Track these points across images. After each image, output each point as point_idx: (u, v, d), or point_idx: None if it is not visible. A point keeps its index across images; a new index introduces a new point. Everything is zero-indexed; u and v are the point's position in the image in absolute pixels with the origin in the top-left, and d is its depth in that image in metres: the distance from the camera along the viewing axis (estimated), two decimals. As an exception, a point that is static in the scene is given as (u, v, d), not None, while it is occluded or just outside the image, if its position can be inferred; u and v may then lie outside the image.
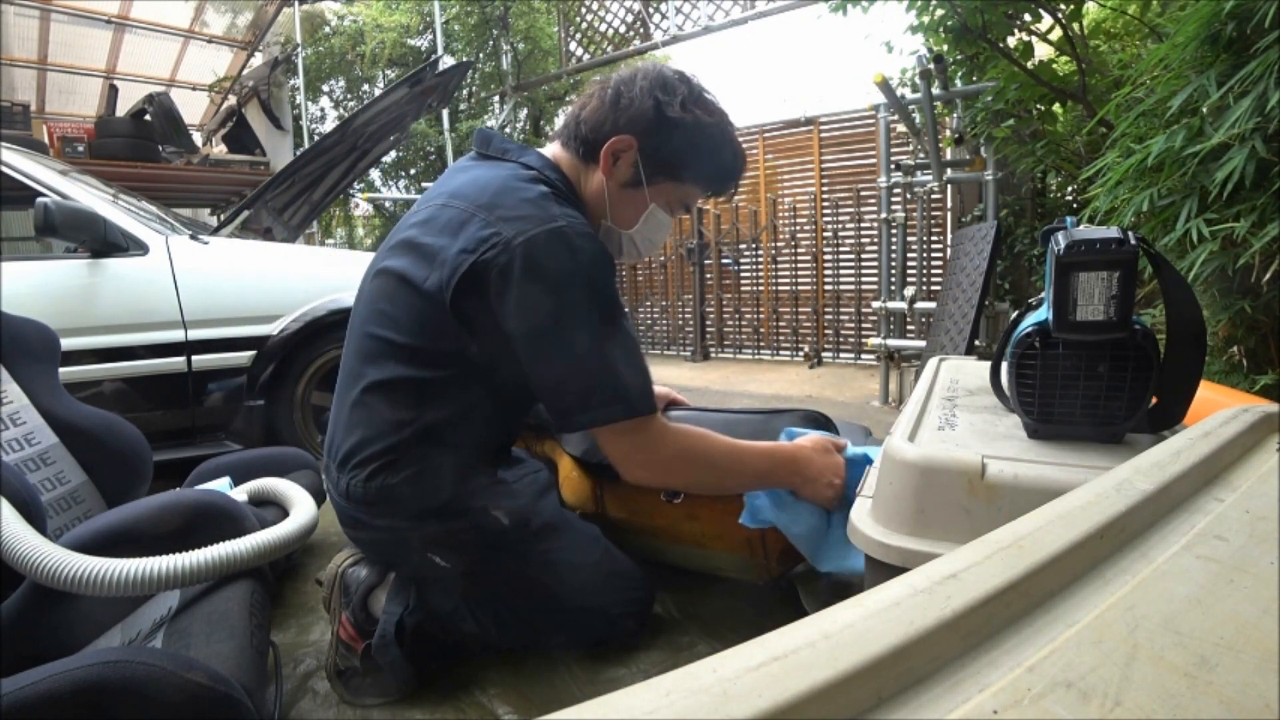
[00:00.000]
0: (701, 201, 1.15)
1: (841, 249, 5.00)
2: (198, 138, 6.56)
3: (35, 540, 0.84)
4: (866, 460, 1.03)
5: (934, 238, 4.47)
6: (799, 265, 5.23)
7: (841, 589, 1.22)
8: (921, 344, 3.39)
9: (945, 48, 3.06)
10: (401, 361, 0.95)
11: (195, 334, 2.02)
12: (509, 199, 0.91)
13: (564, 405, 0.92)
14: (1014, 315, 0.94)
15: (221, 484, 1.35)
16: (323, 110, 8.06)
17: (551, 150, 1.06)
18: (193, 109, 7.01)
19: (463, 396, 0.97)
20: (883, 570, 0.78)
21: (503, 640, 1.07)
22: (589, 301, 0.88)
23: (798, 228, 5.16)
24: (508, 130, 6.99)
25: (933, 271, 4.41)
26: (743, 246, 5.50)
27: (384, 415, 0.98)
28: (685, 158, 1.00)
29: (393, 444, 0.97)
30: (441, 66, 3.67)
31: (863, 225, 4.81)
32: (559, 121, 7.93)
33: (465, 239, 0.89)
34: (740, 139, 1.05)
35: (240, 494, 1.28)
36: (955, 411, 0.97)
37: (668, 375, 5.00)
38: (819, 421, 1.17)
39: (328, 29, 7.18)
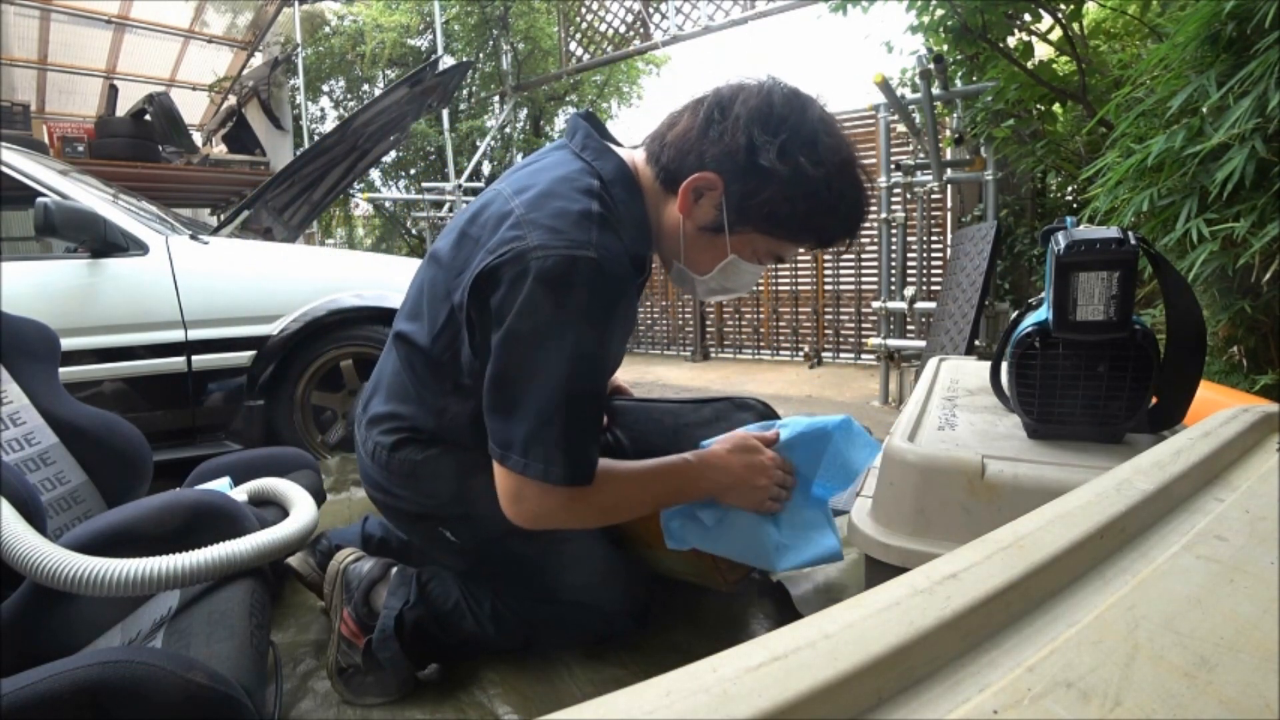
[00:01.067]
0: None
1: (841, 249, 5.00)
2: (198, 138, 6.57)
3: (35, 540, 0.84)
4: (813, 432, 0.96)
5: (934, 238, 4.47)
6: (799, 265, 5.23)
7: (835, 590, 1.22)
8: (921, 344, 3.39)
9: (945, 48, 3.06)
10: (440, 347, 0.94)
11: (195, 334, 2.02)
12: (551, 205, 0.82)
13: (504, 438, 0.84)
14: (1014, 315, 0.94)
15: (221, 484, 1.35)
16: (323, 110, 8.06)
17: (634, 157, 0.93)
18: (193, 109, 7.01)
19: (466, 394, 0.96)
20: (883, 570, 0.78)
21: (502, 638, 1.06)
22: (574, 349, 0.79)
23: (798, 228, 5.16)
24: (508, 130, 6.99)
25: (933, 271, 4.41)
26: (743, 246, 5.50)
27: (421, 393, 0.98)
28: (780, 212, 0.83)
29: (424, 425, 0.97)
30: (441, 66, 3.68)
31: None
32: (559, 122, 7.95)
33: (495, 239, 0.83)
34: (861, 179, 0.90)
35: (240, 494, 1.28)
36: (955, 411, 0.97)
37: (668, 375, 5.00)
38: (756, 411, 1.11)
39: (328, 29, 7.19)
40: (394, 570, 1.08)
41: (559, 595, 1.04)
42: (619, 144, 0.98)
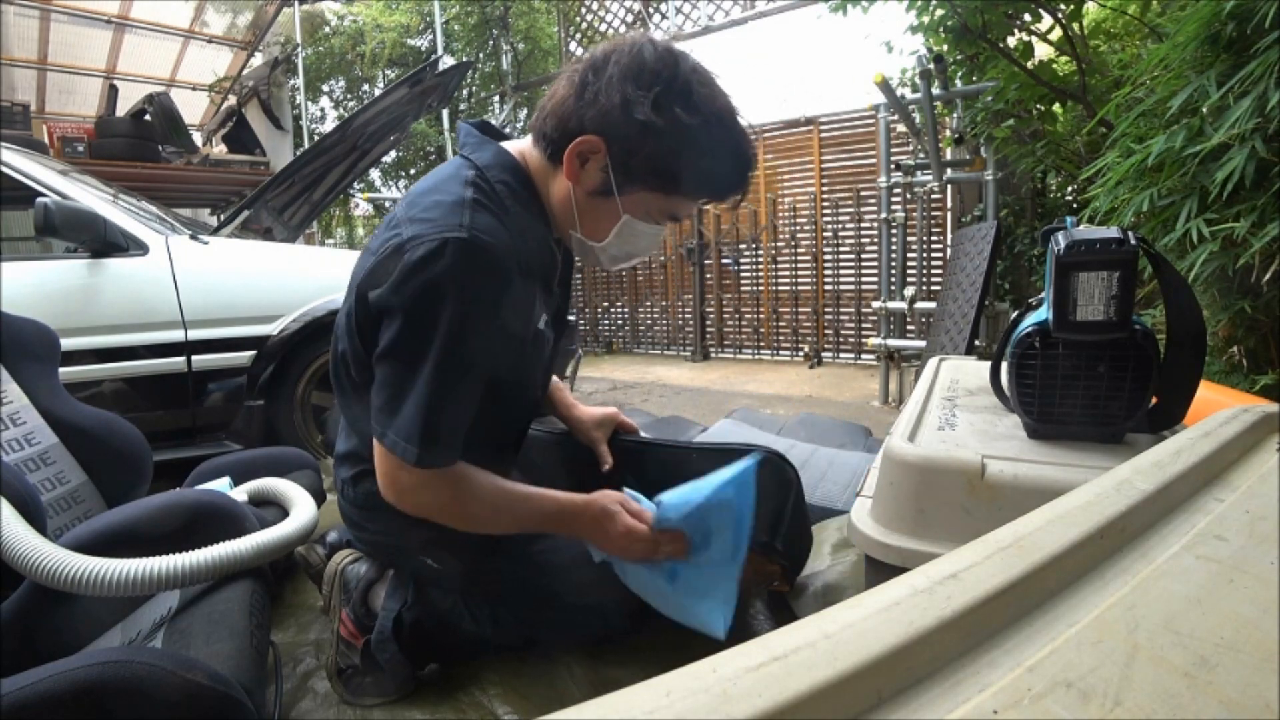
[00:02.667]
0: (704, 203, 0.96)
1: (841, 249, 5.00)
2: (198, 138, 6.56)
3: (35, 540, 0.84)
4: (700, 506, 0.85)
5: (934, 238, 4.47)
6: (799, 265, 5.23)
7: (833, 593, 1.22)
8: (921, 344, 3.39)
9: (945, 48, 3.06)
10: (364, 368, 0.92)
11: (195, 334, 2.02)
12: (426, 200, 0.83)
13: (376, 415, 0.83)
14: (1014, 315, 0.94)
15: (221, 484, 1.35)
16: (323, 110, 8.06)
17: (520, 146, 0.93)
18: (193, 109, 7.00)
19: None
20: (883, 570, 0.78)
21: (500, 640, 1.06)
22: (446, 328, 0.78)
23: (798, 228, 5.17)
24: (508, 130, 6.99)
25: (933, 271, 4.41)
26: (743, 246, 5.50)
27: (357, 424, 0.97)
28: (664, 166, 0.82)
29: (369, 454, 0.93)
30: (441, 66, 3.68)
31: (863, 225, 4.81)
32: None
33: (378, 243, 0.84)
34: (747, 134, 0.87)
35: (240, 494, 1.28)
36: (955, 411, 0.97)
37: (668, 375, 5.00)
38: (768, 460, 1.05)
39: (328, 29, 7.19)
40: (391, 571, 1.08)
41: (556, 602, 1.04)
42: (508, 138, 0.98)
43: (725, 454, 1.04)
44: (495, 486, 0.88)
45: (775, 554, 1.02)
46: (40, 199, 1.82)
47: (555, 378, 1.22)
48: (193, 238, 2.16)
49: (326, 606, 1.10)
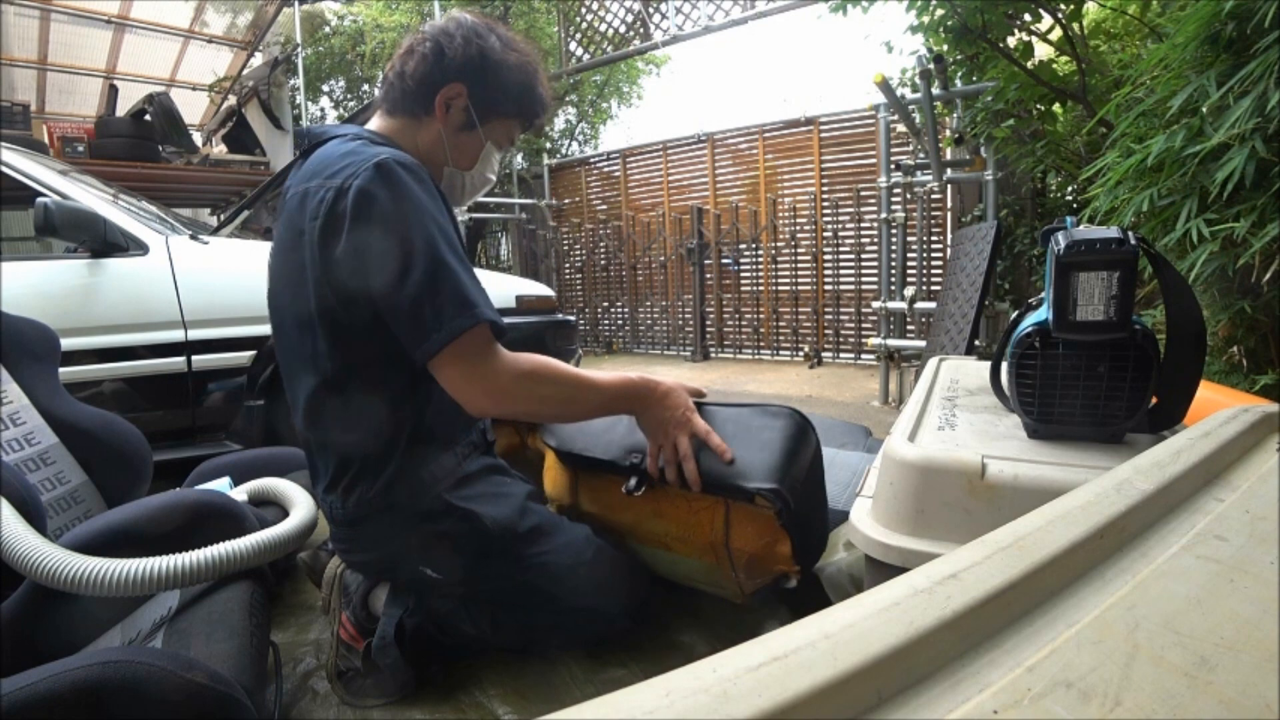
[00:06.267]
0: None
1: (841, 249, 5.00)
2: (198, 138, 6.55)
3: (35, 540, 0.84)
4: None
5: (934, 238, 4.47)
6: (799, 265, 5.23)
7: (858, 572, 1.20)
8: (921, 344, 3.39)
9: (945, 48, 3.06)
10: (323, 375, 0.94)
11: (195, 334, 2.02)
12: (330, 162, 0.93)
13: (420, 328, 0.87)
14: (1014, 315, 0.94)
15: (221, 484, 1.35)
16: (323, 110, 8.06)
17: (374, 123, 1.07)
18: (193, 109, 7.00)
19: (380, 393, 0.95)
20: (883, 570, 0.78)
21: (500, 642, 1.06)
22: (426, 218, 0.88)
23: (798, 228, 5.17)
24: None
25: (933, 271, 4.41)
26: (743, 246, 5.50)
27: (329, 435, 0.98)
28: (509, 94, 1.04)
29: (344, 462, 0.97)
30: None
31: (863, 225, 4.81)
32: (559, 122, 7.96)
33: (309, 214, 0.91)
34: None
35: (240, 494, 1.28)
36: (955, 411, 0.97)
37: (668, 375, 4.99)
38: (784, 416, 1.11)
39: (328, 29, 7.19)
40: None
41: (556, 604, 1.04)
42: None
43: (763, 408, 1.12)
44: (566, 370, 0.96)
45: (783, 507, 0.95)
46: (40, 199, 1.82)
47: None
48: (193, 238, 2.15)
49: (326, 607, 1.10)
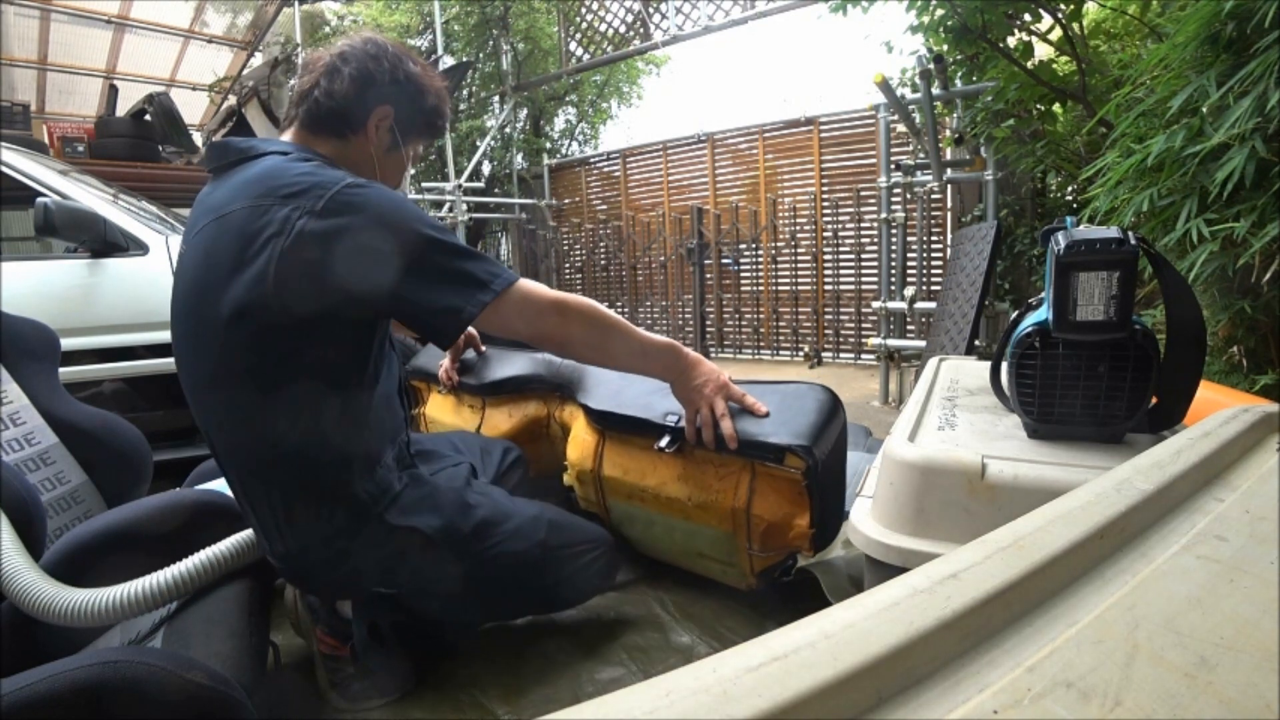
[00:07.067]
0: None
1: (841, 249, 5.00)
2: (198, 138, 6.55)
3: (35, 577, 0.84)
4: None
5: (934, 238, 4.46)
6: (799, 265, 5.23)
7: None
8: (921, 344, 3.39)
9: (945, 48, 3.06)
10: (251, 398, 0.89)
11: (195, 334, 2.02)
12: (285, 178, 0.88)
13: (447, 319, 0.90)
14: (1014, 315, 0.94)
15: (221, 484, 1.34)
16: (323, 110, 8.04)
17: (290, 136, 1.04)
18: (193, 109, 7.00)
19: (316, 415, 0.90)
20: (883, 570, 0.78)
21: (474, 619, 1.10)
22: (421, 222, 0.90)
23: (798, 228, 5.16)
24: (508, 130, 6.99)
25: (933, 271, 4.41)
26: (743, 246, 5.50)
27: (262, 467, 0.93)
28: (423, 114, 1.08)
29: (284, 495, 0.92)
30: (441, 66, 3.67)
31: (863, 225, 4.81)
32: (559, 122, 7.96)
33: (265, 231, 0.85)
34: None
35: (240, 494, 1.28)
36: (955, 411, 0.97)
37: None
38: (814, 395, 1.18)
39: (328, 29, 7.18)
40: None
41: (519, 586, 1.06)
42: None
43: (795, 383, 1.19)
44: (602, 313, 1.01)
45: (811, 464, 1.01)
46: (40, 199, 1.82)
47: None
48: (193, 238, 2.15)
49: (298, 629, 1.08)
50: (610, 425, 1.23)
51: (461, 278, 0.90)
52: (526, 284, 0.95)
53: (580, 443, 1.29)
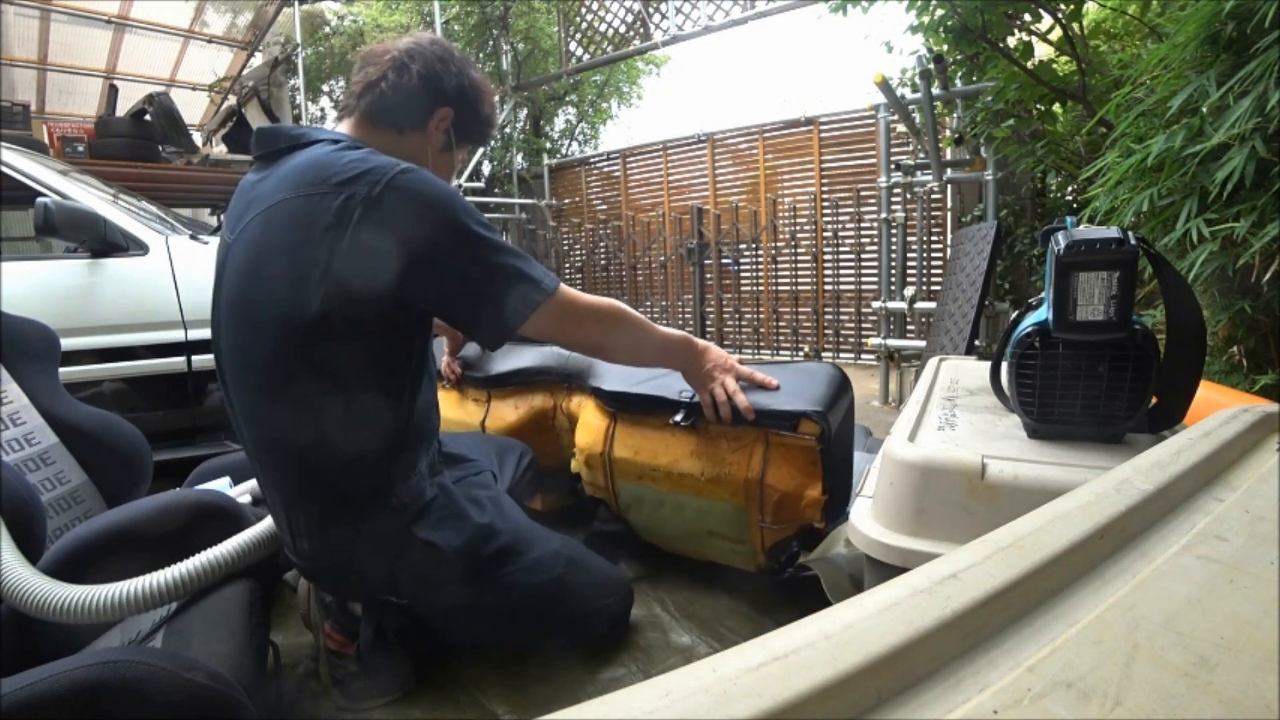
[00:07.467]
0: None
1: (841, 249, 5.00)
2: (198, 138, 6.55)
3: (29, 574, 0.84)
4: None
5: (934, 238, 4.46)
6: (799, 265, 5.23)
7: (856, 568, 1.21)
8: (921, 344, 3.39)
9: (945, 48, 3.06)
10: (306, 395, 0.87)
11: (195, 334, 2.02)
12: (337, 164, 0.86)
13: (501, 319, 0.91)
14: (1014, 315, 0.94)
15: (221, 484, 1.34)
16: (323, 110, 8.06)
17: (347, 128, 1.03)
18: (193, 109, 7.00)
19: (372, 411, 0.89)
20: (883, 570, 0.78)
21: (479, 641, 1.09)
22: (472, 218, 0.91)
23: (798, 228, 5.16)
24: (508, 130, 7.00)
25: (933, 271, 4.41)
26: (743, 246, 5.50)
27: (279, 474, 0.93)
28: (478, 121, 1.11)
29: (328, 496, 0.91)
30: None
31: (863, 225, 4.81)
32: (559, 122, 7.97)
33: (321, 222, 0.83)
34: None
35: (240, 494, 1.28)
36: (955, 411, 0.97)
37: (668, 375, 4.99)
38: (826, 373, 1.23)
39: (328, 29, 7.19)
40: None
41: (529, 618, 1.04)
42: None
43: (803, 363, 1.25)
44: (633, 317, 1.05)
45: (825, 429, 1.05)
46: (40, 199, 1.82)
47: None
48: (193, 238, 2.15)
49: (307, 622, 1.08)
50: (625, 406, 1.27)
51: (516, 276, 0.92)
52: (566, 290, 0.97)
53: (590, 428, 1.31)
